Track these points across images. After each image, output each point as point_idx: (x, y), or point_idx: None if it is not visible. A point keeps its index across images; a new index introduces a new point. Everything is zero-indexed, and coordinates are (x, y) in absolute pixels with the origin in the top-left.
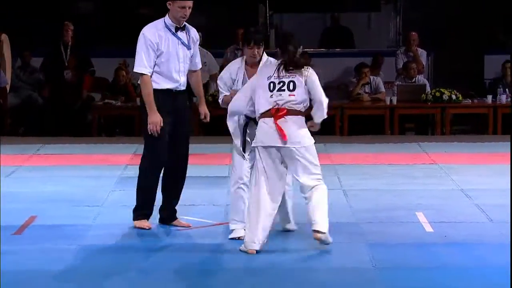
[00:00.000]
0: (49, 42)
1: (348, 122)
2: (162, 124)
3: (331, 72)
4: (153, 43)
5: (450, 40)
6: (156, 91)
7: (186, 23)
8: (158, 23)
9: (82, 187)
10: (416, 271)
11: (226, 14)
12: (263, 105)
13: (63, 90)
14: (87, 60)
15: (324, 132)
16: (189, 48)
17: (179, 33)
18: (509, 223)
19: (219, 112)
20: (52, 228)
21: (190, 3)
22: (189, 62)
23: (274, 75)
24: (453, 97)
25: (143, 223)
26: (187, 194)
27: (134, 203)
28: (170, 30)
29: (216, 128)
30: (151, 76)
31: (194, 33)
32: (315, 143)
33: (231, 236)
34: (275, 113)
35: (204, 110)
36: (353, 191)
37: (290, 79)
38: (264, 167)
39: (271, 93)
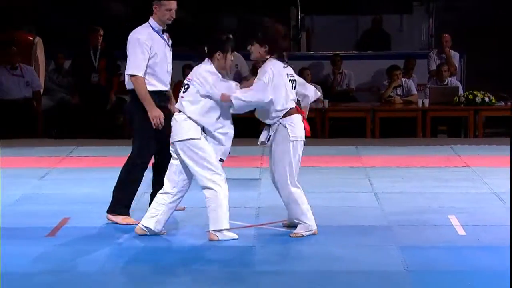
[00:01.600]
0: (79, 44)
1: (379, 125)
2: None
3: (363, 74)
4: (147, 45)
5: (483, 42)
6: (152, 92)
7: None
8: (146, 27)
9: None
10: (448, 274)
11: (257, 17)
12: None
13: (91, 93)
14: (116, 63)
15: (355, 135)
16: (171, 49)
17: (164, 35)
18: None
19: (251, 115)
20: (85, 229)
21: (175, 5)
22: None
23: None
24: (486, 99)
25: (128, 219)
26: None
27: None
28: (157, 33)
29: (247, 130)
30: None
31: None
32: (346, 145)
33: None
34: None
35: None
36: (384, 194)
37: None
38: (298, 162)
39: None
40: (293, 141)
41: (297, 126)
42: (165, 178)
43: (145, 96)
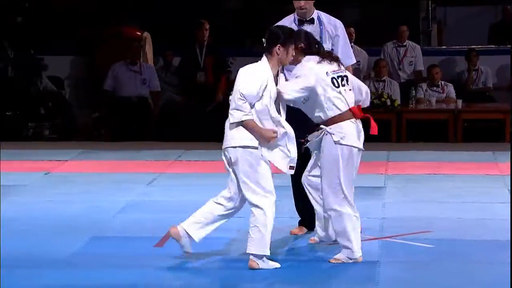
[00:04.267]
0: (187, 41)
1: None
2: None
3: (502, 71)
4: None
5: None
6: None
7: (321, 15)
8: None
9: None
10: None
11: (384, 10)
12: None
13: (197, 93)
14: (224, 61)
15: (492, 139)
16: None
17: (305, 26)
18: None
19: (376, 117)
20: (194, 240)
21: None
22: None
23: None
24: None
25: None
26: None
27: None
28: (294, 23)
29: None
30: None
31: (331, 26)
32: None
33: None
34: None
35: None
36: None
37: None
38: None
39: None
40: (342, 145)
41: (346, 132)
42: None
43: None
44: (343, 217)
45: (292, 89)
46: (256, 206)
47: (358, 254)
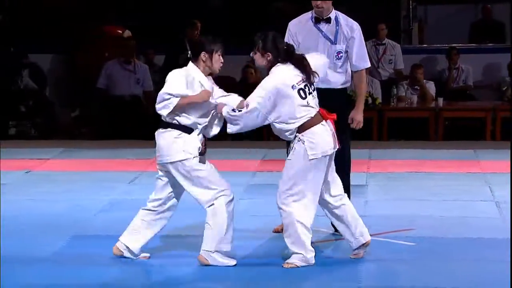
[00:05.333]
0: (173, 39)
1: (501, 126)
2: None
3: (482, 69)
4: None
5: None
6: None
7: (339, 15)
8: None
9: None
10: None
11: (365, 8)
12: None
13: None
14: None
15: (473, 137)
16: (333, 42)
17: (322, 24)
18: None
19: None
20: (177, 238)
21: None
22: (340, 59)
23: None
24: None
25: None
26: None
27: (263, 212)
28: (311, 20)
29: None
30: None
31: (347, 27)
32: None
33: None
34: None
35: (354, 116)
36: (507, 204)
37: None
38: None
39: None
40: (312, 159)
41: (317, 141)
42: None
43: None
44: (294, 220)
45: (257, 96)
46: (208, 206)
47: (312, 260)
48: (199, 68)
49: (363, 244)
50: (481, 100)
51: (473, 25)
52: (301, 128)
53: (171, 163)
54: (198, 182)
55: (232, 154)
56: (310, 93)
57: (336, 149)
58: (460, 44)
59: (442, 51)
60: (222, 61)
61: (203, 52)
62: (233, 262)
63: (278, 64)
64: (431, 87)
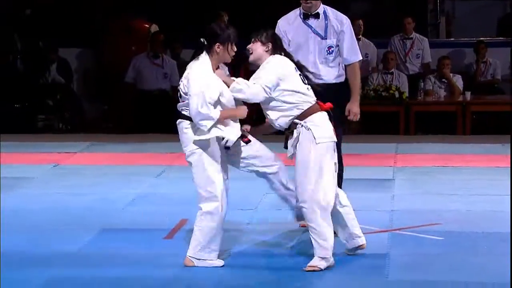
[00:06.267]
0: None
1: None
2: None
3: (510, 63)
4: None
5: None
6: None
7: (328, 10)
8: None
9: (234, 189)
10: None
11: (392, 2)
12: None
13: None
14: (241, 52)
15: (501, 131)
16: (323, 37)
17: (311, 20)
18: None
19: (384, 109)
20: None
21: None
22: (332, 53)
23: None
24: None
25: None
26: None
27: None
28: (300, 17)
29: (378, 126)
30: None
31: (336, 21)
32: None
33: None
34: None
35: (351, 107)
36: None
37: None
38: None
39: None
40: (319, 143)
41: (322, 127)
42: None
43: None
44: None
45: (265, 76)
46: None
47: (332, 260)
48: (212, 59)
49: (359, 246)
50: (509, 94)
51: (501, 19)
52: (302, 116)
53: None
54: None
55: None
56: (306, 84)
57: (335, 141)
58: (488, 38)
59: (470, 45)
60: (235, 49)
61: (217, 44)
62: (220, 263)
63: (276, 54)
64: (458, 80)
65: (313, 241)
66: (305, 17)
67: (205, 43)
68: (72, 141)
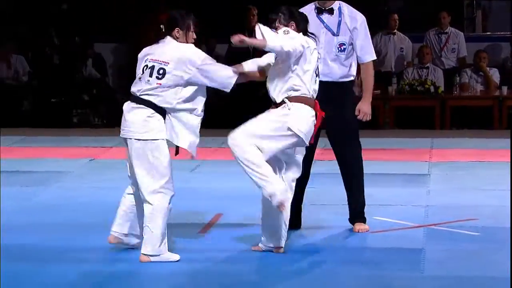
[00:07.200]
0: (233, 27)
1: None
2: None
3: None
4: None
5: None
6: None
7: (343, 6)
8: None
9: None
10: None
11: None
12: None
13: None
14: None
15: None
16: (335, 34)
17: (324, 15)
18: None
19: (419, 104)
20: (239, 227)
21: None
22: (344, 51)
23: None
24: None
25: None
26: (382, 193)
27: (325, 202)
28: (314, 11)
29: (413, 121)
30: None
31: (350, 18)
32: None
33: None
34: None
35: (361, 107)
36: None
37: None
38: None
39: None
40: (289, 128)
41: (302, 118)
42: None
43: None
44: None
45: (290, 39)
46: (149, 202)
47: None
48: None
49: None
50: None
51: None
52: (293, 99)
53: (144, 140)
54: (152, 167)
55: None
56: (317, 75)
57: (306, 145)
58: None
59: (506, 39)
60: (195, 37)
61: (176, 29)
62: (176, 257)
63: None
64: (495, 74)
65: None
66: (319, 11)
67: (163, 29)
68: (108, 135)
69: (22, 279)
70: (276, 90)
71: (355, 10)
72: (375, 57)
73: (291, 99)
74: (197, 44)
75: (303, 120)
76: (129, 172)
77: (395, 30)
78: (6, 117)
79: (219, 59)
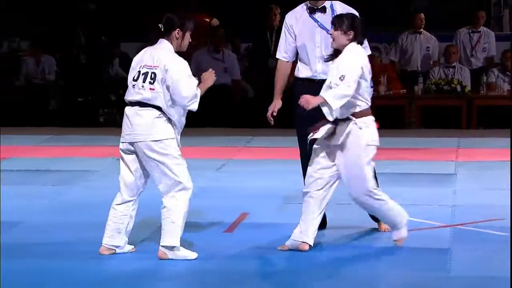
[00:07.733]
0: (257, 27)
1: None
2: None
3: None
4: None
5: None
6: (297, 79)
7: (335, 3)
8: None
9: (293, 183)
10: None
11: None
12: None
13: (266, 80)
14: None
15: None
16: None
17: (317, 14)
18: None
19: (445, 103)
20: (264, 227)
21: None
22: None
23: None
24: None
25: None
26: (408, 192)
27: (350, 201)
28: (306, 11)
29: (440, 120)
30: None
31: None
32: None
33: None
34: None
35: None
36: None
37: None
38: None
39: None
40: (370, 145)
41: (374, 129)
42: (122, 185)
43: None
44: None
45: (352, 67)
46: (171, 196)
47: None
48: (172, 45)
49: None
50: None
51: None
52: (357, 114)
53: (153, 141)
54: (167, 166)
55: None
56: (371, 87)
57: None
58: None
59: None
60: (190, 40)
61: (177, 29)
62: (193, 255)
63: (354, 43)
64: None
65: (382, 218)
66: (311, 11)
67: (162, 29)
68: None
69: (51, 276)
70: (346, 108)
71: (347, 6)
72: (369, 52)
73: (356, 115)
74: (197, 45)
75: (373, 130)
76: (122, 177)
77: (421, 29)
78: (33, 116)
79: (241, 59)
